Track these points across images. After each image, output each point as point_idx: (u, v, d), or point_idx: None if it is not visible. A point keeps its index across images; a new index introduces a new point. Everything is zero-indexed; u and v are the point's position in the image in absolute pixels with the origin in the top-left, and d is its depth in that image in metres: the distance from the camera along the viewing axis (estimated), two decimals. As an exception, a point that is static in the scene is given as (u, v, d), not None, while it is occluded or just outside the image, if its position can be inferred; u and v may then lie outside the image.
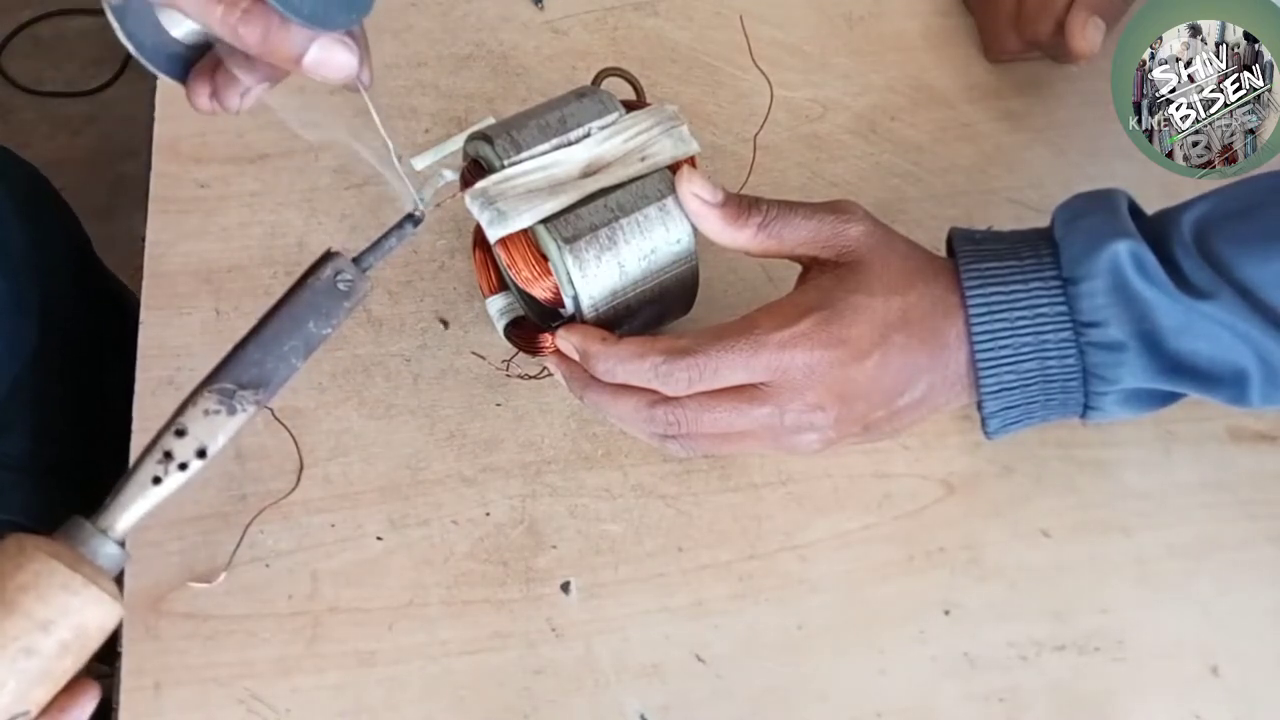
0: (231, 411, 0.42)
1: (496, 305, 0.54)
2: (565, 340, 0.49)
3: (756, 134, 0.64)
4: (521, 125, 0.49)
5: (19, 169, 0.74)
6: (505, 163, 0.48)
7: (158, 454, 0.42)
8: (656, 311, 0.52)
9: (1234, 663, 0.52)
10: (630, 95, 0.56)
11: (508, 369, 0.56)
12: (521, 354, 0.55)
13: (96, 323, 0.77)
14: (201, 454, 0.42)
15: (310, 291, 0.44)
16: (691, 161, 0.51)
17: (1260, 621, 0.53)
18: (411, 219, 0.46)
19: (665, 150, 0.50)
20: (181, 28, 0.44)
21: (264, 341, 0.43)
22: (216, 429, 0.42)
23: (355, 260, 0.45)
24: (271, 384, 0.43)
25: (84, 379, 0.74)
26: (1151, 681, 0.51)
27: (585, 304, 0.49)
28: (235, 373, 0.43)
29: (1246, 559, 0.54)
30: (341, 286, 0.44)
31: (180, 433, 0.42)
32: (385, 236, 0.46)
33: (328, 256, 0.44)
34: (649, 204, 0.48)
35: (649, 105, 0.52)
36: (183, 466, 0.42)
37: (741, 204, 0.48)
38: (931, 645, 0.51)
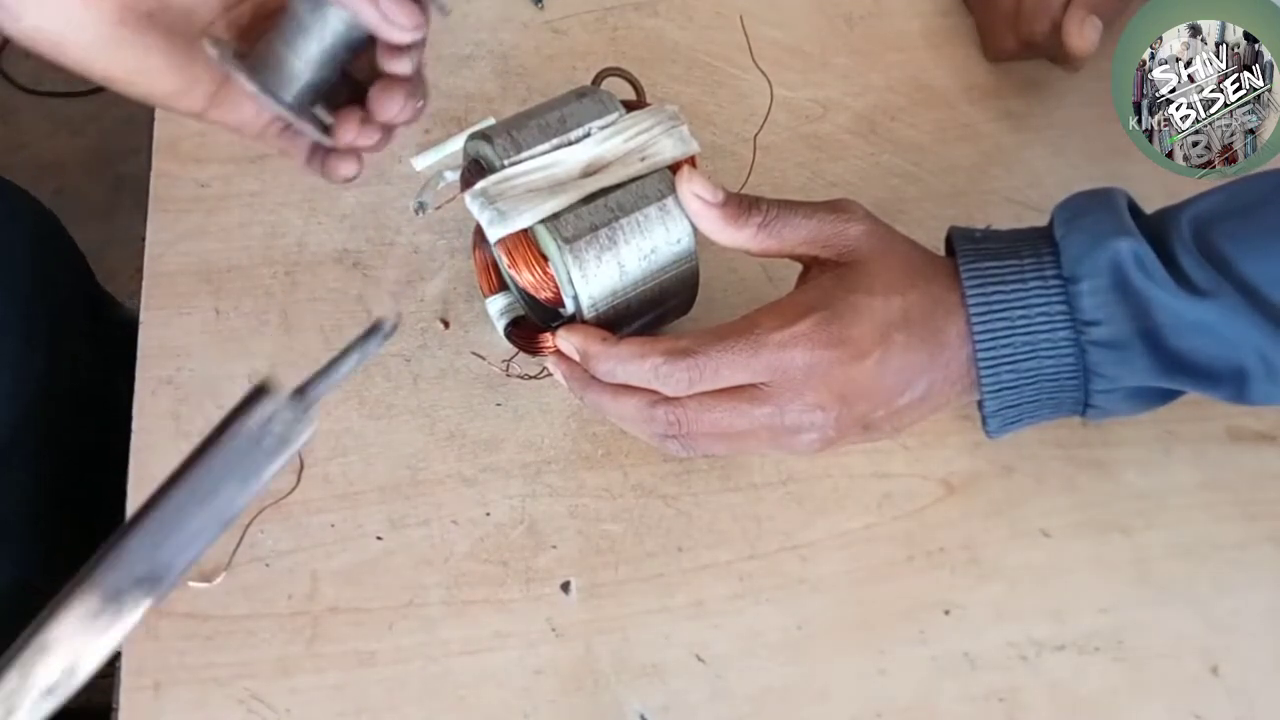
0: (116, 616, 0.33)
1: (496, 305, 0.54)
2: (565, 340, 0.49)
3: (756, 134, 0.64)
4: (521, 125, 0.49)
5: (30, 206, 0.74)
6: (505, 163, 0.48)
7: (11, 680, 0.32)
8: (657, 312, 0.52)
9: (1234, 663, 0.52)
10: (630, 95, 0.56)
11: (508, 369, 0.56)
12: (521, 354, 0.55)
13: (105, 359, 0.77)
14: (72, 674, 0.33)
15: (225, 451, 0.33)
16: (692, 161, 0.51)
17: (1260, 621, 0.53)
18: (380, 330, 0.35)
19: (665, 150, 0.50)
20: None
21: (163, 521, 0.33)
22: (95, 640, 0.33)
23: (300, 390, 0.35)
24: (169, 577, 0.34)
25: (92, 413, 0.74)
26: (1151, 681, 0.51)
27: (585, 304, 0.49)
28: (125, 567, 0.33)
29: (1246, 559, 0.54)
30: (268, 442, 0.33)
31: (45, 648, 0.32)
32: (343, 355, 0.35)
33: (260, 391, 0.34)
34: (649, 204, 0.48)
35: (649, 105, 0.52)
36: (49, 692, 0.32)
37: (742, 204, 0.48)
38: (931, 645, 0.51)
